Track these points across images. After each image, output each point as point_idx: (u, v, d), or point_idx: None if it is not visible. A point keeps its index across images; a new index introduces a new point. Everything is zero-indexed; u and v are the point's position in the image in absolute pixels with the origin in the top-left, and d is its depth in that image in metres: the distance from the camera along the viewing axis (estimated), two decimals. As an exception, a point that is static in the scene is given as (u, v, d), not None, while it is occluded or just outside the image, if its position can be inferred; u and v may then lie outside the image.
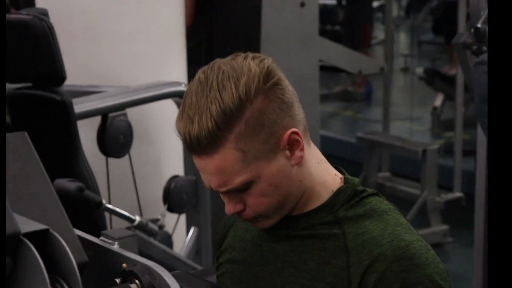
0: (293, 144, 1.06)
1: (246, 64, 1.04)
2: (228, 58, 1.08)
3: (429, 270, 1.01)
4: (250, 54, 1.07)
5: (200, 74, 1.06)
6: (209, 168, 1.07)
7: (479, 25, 2.38)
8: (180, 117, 1.05)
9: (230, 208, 1.10)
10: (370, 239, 1.05)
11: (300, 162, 1.09)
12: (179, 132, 1.06)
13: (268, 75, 1.03)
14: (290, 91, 1.08)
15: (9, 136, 0.89)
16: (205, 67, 1.08)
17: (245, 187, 1.07)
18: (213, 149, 1.04)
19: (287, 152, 1.06)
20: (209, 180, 1.08)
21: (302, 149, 1.07)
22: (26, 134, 0.90)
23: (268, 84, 1.04)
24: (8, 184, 0.81)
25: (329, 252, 1.08)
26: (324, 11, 5.47)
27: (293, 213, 1.14)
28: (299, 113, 1.09)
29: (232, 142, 1.04)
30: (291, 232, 1.14)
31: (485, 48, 2.33)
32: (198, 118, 1.03)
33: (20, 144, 0.90)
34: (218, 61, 1.08)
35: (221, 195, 1.12)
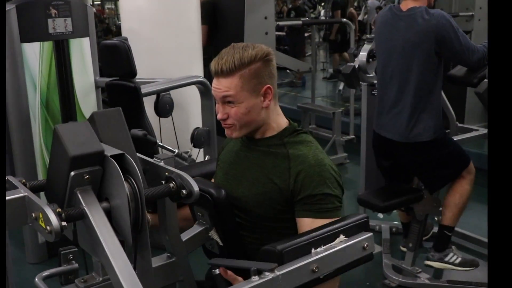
0: (266, 94, 1.29)
1: (260, 45, 1.30)
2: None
3: (332, 171, 1.29)
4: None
5: (231, 45, 1.29)
6: (221, 84, 1.27)
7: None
8: (215, 59, 1.27)
9: (220, 113, 1.29)
10: (302, 155, 1.28)
11: (267, 107, 1.30)
12: (212, 65, 1.25)
13: (269, 54, 1.30)
14: (275, 69, 1.30)
15: (110, 110, 1.08)
16: (233, 44, 1.28)
17: (232, 102, 1.26)
18: (227, 76, 1.26)
19: (262, 98, 1.29)
20: (217, 93, 1.27)
21: (270, 100, 1.29)
22: (120, 109, 1.08)
23: (267, 58, 1.28)
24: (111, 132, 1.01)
25: (279, 159, 1.29)
26: (278, 37, 6.25)
27: (257, 137, 1.33)
28: (275, 84, 1.31)
29: (238, 76, 1.26)
30: (257, 148, 1.34)
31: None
32: (226, 57, 1.25)
33: (116, 114, 1.12)
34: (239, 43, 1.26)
35: (219, 106, 1.30)
